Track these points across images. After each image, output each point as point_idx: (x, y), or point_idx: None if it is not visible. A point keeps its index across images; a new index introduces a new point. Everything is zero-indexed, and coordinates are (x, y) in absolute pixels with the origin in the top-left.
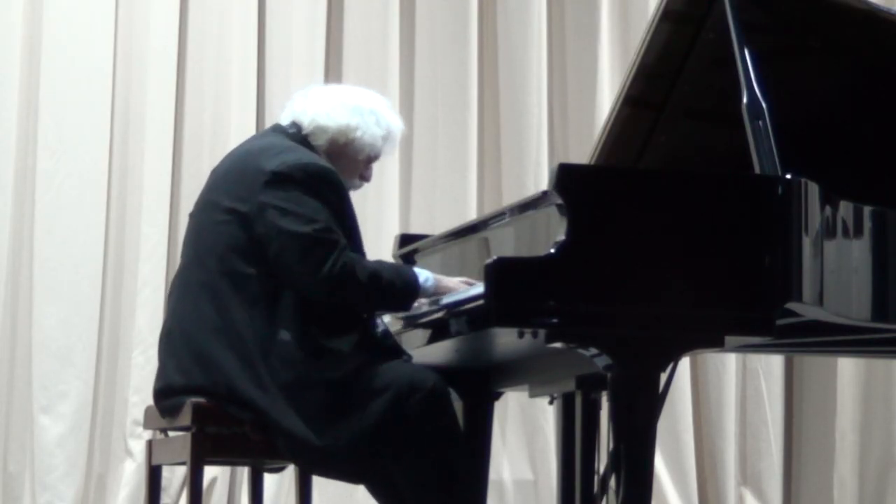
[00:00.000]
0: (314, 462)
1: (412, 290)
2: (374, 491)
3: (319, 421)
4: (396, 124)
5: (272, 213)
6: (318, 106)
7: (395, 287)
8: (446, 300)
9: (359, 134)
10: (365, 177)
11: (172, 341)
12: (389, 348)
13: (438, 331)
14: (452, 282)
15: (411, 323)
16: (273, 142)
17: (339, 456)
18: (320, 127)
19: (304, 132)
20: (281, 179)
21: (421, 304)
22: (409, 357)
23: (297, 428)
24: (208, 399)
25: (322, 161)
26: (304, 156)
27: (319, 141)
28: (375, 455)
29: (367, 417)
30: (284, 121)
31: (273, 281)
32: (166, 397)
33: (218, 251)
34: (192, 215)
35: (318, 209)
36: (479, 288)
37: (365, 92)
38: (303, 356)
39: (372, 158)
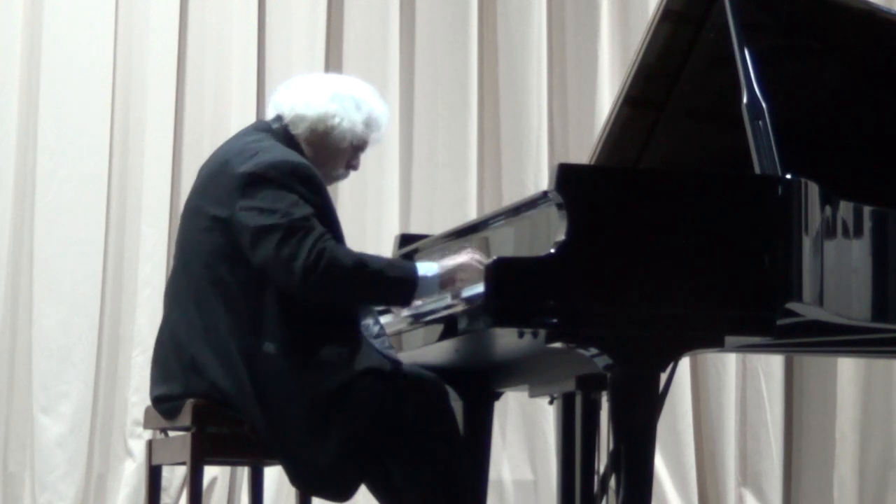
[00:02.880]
0: (292, 478)
1: (408, 280)
2: (374, 491)
3: (304, 436)
4: (380, 110)
5: (249, 216)
6: (297, 95)
7: (387, 276)
8: (447, 300)
9: (337, 121)
10: (352, 165)
11: (164, 350)
12: (382, 354)
13: (438, 331)
14: (459, 261)
15: (412, 322)
16: (250, 142)
17: (322, 473)
18: (299, 115)
19: (284, 122)
20: (254, 181)
21: (428, 301)
22: (400, 363)
23: (275, 445)
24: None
25: (296, 157)
26: (278, 154)
27: (299, 130)
28: (373, 458)
29: (359, 425)
30: (269, 115)
31: (257, 288)
32: (161, 403)
33: (203, 258)
34: (181, 217)
35: (295, 202)
36: (479, 287)
37: (347, 79)
38: (288, 367)
39: (357, 146)
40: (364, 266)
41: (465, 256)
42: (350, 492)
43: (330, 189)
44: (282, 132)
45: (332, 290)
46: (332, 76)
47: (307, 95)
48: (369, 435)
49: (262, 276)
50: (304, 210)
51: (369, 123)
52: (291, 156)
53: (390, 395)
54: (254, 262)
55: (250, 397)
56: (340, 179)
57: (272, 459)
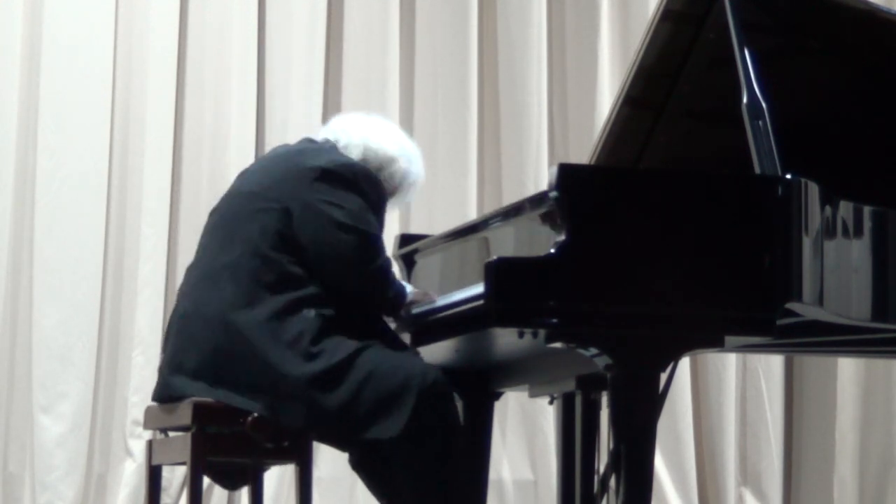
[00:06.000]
0: (322, 420)
1: (405, 299)
2: (372, 488)
3: (335, 388)
4: (422, 176)
5: (324, 207)
6: (364, 129)
7: (402, 294)
8: (443, 301)
9: (395, 167)
10: None
11: (189, 323)
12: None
13: (439, 331)
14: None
15: (412, 322)
16: (311, 146)
17: (348, 416)
18: (364, 146)
19: (340, 145)
20: (330, 177)
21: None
22: (417, 352)
23: (317, 395)
24: (215, 384)
25: (365, 164)
26: (348, 157)
27: (353, 154)
28: (375, 444)
29: (375, 391)
30: (318, 137)
31: (304, 270)
32: (174, 375)
33: (248, 236)
34: (215, 211)
35: (365, 208)
36: (479, 287)
37: (403, 133)
38: (326, 333)
39: (392, 198)
40: (397, 283)
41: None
42: (359, 437)
43: None
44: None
45: (380, 296)
46: (391, 124)
47: (375, 132)
48: (384, 401)
49: (311, 262)
50: (373, 218)
51: (415, 184)
52: (360, 161)
53: (394, 388)
54: (327, 253)
55: (281, 352)
56: None
57: (272, 459)
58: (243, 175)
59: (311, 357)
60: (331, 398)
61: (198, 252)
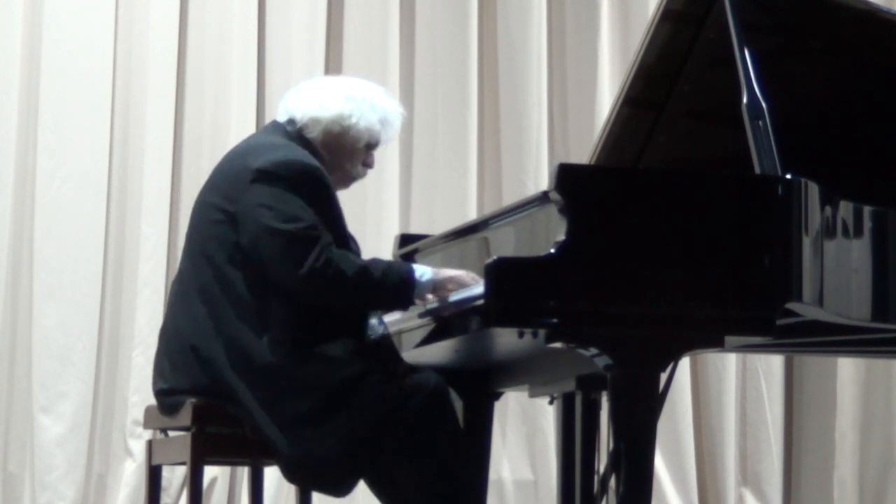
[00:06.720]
0: (289, 472)
1: (408, 285)
2: (375, 489)
3: (299, 429)
4: (393, 109)
5: (256, 211)
6: (309, 99)
7: (388, 282)
8: (444, 301)
9: (353, 121)
10: (368, 164)
11: (168, 343)
12: (386, 352)
13: (438, 331)
14: (455, 273)
15: (412, 322)
16: (265, 140)
17: (314, 466)
18: (313, 118)
19: (298, 125)
20: (265, 177)
21: (426, 301)
22: (406, 364)
23: (274, 436)
24: (201, 400)
25: (308, 158)
26: (290, 153)
27: (314, 133)
28: (374, 455)
29: (361, 422)
30: (281, 118)
31: (261, 284)
32: (164, 397)
33: (209, 253)
34: (192, 212)
35: (302, 207)
36: (479, 287)
37: (358, 81)
38: (292, 360)
39: (372, 145)
40: (365, 275)
41: (463, 272)
42: (346, 487)
43: None
44: (296, 135)
45: (333, 298)
46: (341, 78)
47: (320, 98)
48: (370, 432)
49: (266, 272)
50: (309, 215)
51: (385, 122)
52: (304, 156)
53: (393, 393)
54: (252, 256)
55: (253, 390)
56: (360, 178)
57: (272, 459)
58: (212, 171)
59: (286, 405)
60: (318, 447)
61: (181, 259)
